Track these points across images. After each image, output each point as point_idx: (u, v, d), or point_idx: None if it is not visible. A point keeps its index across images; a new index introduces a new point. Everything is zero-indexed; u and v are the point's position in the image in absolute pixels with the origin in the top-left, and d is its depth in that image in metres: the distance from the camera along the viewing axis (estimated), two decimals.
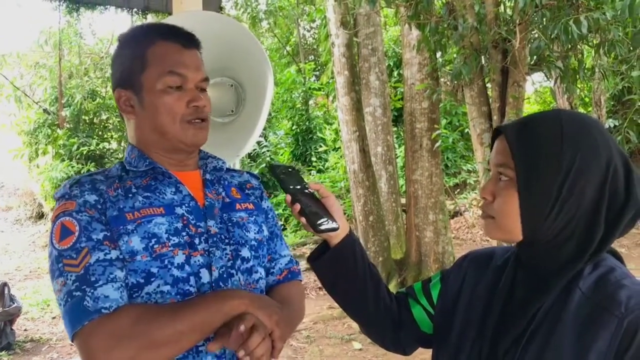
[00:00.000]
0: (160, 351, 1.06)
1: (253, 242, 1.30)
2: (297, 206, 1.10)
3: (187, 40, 1.27)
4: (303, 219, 1.11)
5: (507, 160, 0.97)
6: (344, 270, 1.15)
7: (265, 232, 1.36)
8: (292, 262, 1.43)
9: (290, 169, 1.19)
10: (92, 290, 1.08)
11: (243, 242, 1.27)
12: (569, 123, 0.95)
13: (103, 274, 1.10)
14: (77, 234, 1.13)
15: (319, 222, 1.10)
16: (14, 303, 5.28)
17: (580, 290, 0.94)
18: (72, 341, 1.08)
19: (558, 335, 0.92)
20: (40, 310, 6.41)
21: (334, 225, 1.11)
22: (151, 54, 1.23)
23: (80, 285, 1.08)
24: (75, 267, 1.10)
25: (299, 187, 1.14)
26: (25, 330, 5.72)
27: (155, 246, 1.16)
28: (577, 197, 0.93)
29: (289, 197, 1.12)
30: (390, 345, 1.22)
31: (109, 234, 1.14)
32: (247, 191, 1.40)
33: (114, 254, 1.13)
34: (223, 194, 1.32)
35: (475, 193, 9.83)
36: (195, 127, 1.25)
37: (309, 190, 1.15)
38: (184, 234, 1.19)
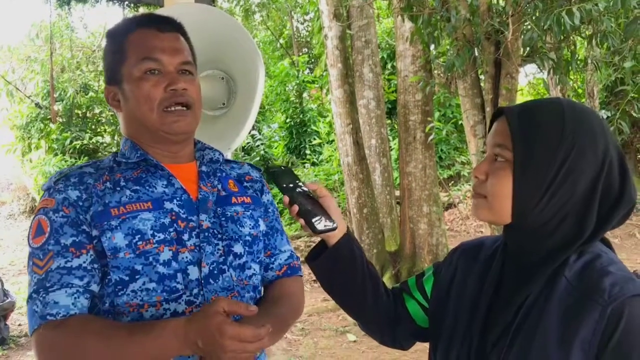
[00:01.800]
0: None
1: (247, 238, 1.27)
2: (295, 207, 1.09)
3: (163, 24, 1.23)
4: (301, 220, 1.09)
5: (506, 142, 0.97)
6: (342, 270, 1.14)
7: (262, 227, 1.33)
8: (293, 257, 1.40)
9: (286, 169, 1.17)
10: (44, 295, 1.08)
11: (236, 237, 1.24)
12: (571, 112, 0.95)
13: (58, 282, 1.09)
14: (47, 235, 1.13)
15: (318, 222, 1.09)
16: (7, 298, 5.27)
17: (565, 278, 0.94)
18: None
19: (544, 325, 0.92)
20: None
21: (332, 225, 1.10)
22: (128, 44, 1.21)
23: (38, 289, 1.09)
24: (39, 269, 1.11)
25: (296, 187, 1.13)
26: (19, 325, 5.70)
27: (139, 243, 1.13)
28: (570, 185, 0.93)
29: (286, 199, 1.10)
30: (388, 341, 1.22)
31: (78, 239, 1.13)
32: (245, 184, 1.36)
33: (75, 262, 1.11)
34: (219, 186, 1.29)
35: (469, 185, 9.85)
36: (176, 115, 1.19)
37: (306, 190, 1.14)
38: (171, 229, 1.16)
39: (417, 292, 1.18)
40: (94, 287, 1.13)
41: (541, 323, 0.92)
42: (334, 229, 1.11)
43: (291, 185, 1.13)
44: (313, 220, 1.09)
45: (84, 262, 1.12)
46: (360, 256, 1.16)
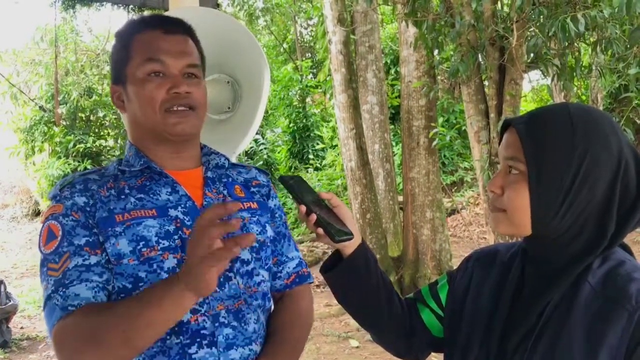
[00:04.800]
0: (120, 352, 1.00)
1: (254, 244, 1.22)
2: (313, 217, 1.07)
3: (171, 25, 1.22)
4: (320, 230, 1.07)
5: (518, 154, 0.96)
6: (357, 280, 1.12)
7: (270, 233, 1.30)
8: (302, 265, 1.36)
9: (300, 179, 1.16)
10: (63, 290, 1.06)
11: None
12: (579, 116, 0.94)
13: (78, 278, 1.07)
14: (59, 238, 1.11)
15: (336, 232, 1.07)
16: (10, 301, 5.27)
17: (589, 284, 0.93)
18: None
19: (568, 330, 0.91)
20: (37, 308, 6.39)
21: (349, 234, 1.09)
22: (134, 44, 1.20)
23: (56, 290, 1.07)
24: (56, 272, 1.08)
25: (311, 197, 1.11)
26: (21, 328, 5.71)
27: (144, 249, 1.11)
28: (588, 191, 0.92)
29: (303, 208, 1.08)
30: (403, 352, 1.20)
31: (91, 239, 1.11)
32: (252, 189, 1.33)
33: (93, 259, 1.10)
34: (224, 192, 1.26)
35: (473, 191, 9.84)
36: (178, 115, 1.17)
37: (320, 199, 1.12)
38: (175, 237, 1.14)
39: (432, 301, 1.17)
40: (110, 287, 1.11)
41: (565, 328, 0.91)
42: (351, 238, 1.09)
43: (306, 194, 1.11)
44: (332, 230, 1.06)
45: (101, 260, 1.10)
46: (375, 265, 1.14)
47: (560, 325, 0.92)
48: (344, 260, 1.12)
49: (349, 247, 1.11)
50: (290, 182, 1.13)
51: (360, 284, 1.13)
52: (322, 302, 5.97)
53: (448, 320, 1.13)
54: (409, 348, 1.18)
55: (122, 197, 1.17)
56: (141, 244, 1.12)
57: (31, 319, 6.06)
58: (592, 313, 0.90)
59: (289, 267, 1.34)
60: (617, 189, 0.92)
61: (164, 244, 1.13)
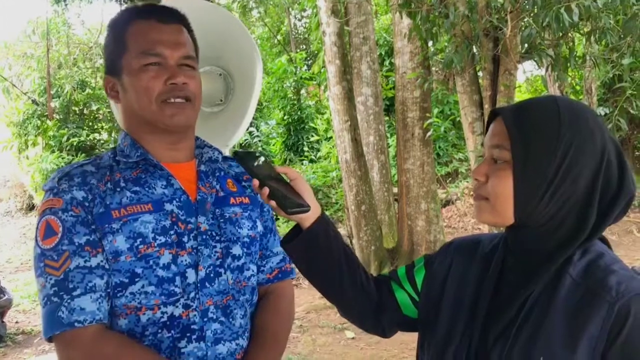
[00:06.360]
0: None
1: (245, 239, 1.25)
2: (266, 190, 1.08)
3: (165, 15, 1.21)
4: (273, 203, 1.08)
5: (504, 143, 0.97)
6: (317, 252, 1.13)
7: (259, 228, 1.31)
8: (285, 260, 1.38)
9: (256, 154, 1.16)
10: (69, 300, 1.07)
11: (235, 239, 1.23)
12: (566, 109, 0.95)
13: (82, 282, 1.08)
14: (60, 235, 1.10)
15: (289, 204, 1.07)
16: (4, 295, 5.25)
17: (570, 276, 0.94)
18: (46, 340, 1.11)
19: (549, 321, 0.92)
20: (32, 302, 6.37)
21: (304, 206, 1.09)
22: (129, 35, 1.19)
23: (59, 291, 1.08)
24: (56, 271, 1.09)
25: (267, 171, 1.12)
26: (16, 322, 5.69)
27: (141, 246, 1.12)
28: (572, 181, 0.93)
29: (256, 182, 1.09)
30: (370, 327, 1.21)
31: (91, 238, 1.11)
32: (244, 183, 1.34)
33: (94, 261, 1.10)
34: (217, 187, 1.27)
35: (467, 182, 9.86)
36: (175, 107, 1.17)
37: (277, 173, 1.13)
38: (171, 232, 1.15)
39: (407, 283, 1.17)
40: (110, 290, 1.12)
41: (546, 319, 0.93)
42: (306, 211, 1.09)
43: (261, 169, 1.11)
44: (284, 202, 1.07)
45: (102, 262, 1.11)
46: (336, 239, 1.14)
47: (541, 316, 0.94)
48: (302, 232, 1.12)
49: (306, 219, 1.11)
50: (245, 157, 1.13)
51: (320, 256, 1.13)
52: (317, 294, 5.97)
53: (424, 305, 1.14)
54: (377, 324, 1.19)
55: (118, 189, 1.16)
56: (138, 240, 1.12)
57: (26, 313, 6.04)
58: (572, 304, 0.92)
59: (272, 262, 1.35)
60: (599, 182, 0.94)
61: (160, 239, 1.14)
